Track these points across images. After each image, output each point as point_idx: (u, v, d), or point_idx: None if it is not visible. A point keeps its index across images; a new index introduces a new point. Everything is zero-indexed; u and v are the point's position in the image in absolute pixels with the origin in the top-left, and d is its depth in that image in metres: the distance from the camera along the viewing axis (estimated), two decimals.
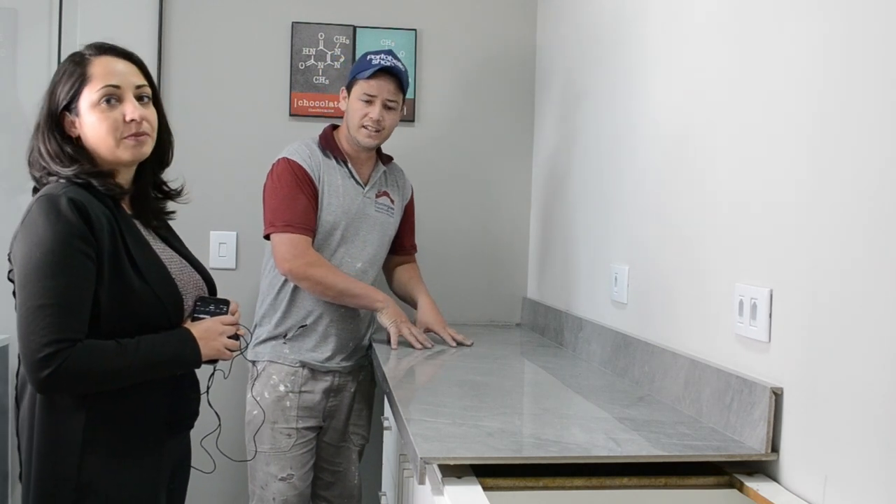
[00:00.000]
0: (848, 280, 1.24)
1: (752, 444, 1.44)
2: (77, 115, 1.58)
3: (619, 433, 1.53)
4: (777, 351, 1.43)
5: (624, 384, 1.98)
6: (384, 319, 2.40)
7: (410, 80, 2.97)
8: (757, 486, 1.39)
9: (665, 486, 1.42)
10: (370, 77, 2.39)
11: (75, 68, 1.59)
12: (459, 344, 2.45)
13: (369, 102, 2.41)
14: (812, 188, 1.34)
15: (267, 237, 2.44)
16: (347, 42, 2.94)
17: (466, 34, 3.02)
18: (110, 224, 1.53)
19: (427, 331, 2.48)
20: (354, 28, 2.95)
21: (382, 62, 2.39)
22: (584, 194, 2.47)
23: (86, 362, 1.47)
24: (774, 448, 1.41)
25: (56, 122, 1.58)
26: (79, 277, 1.47)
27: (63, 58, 2.74)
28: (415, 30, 2.98)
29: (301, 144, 2.47)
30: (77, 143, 1.59)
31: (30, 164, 1.61)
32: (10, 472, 2.80)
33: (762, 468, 1.44)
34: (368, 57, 2.43)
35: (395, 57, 2.44)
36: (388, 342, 2.40)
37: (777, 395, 1.40)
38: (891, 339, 1.15)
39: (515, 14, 3.05)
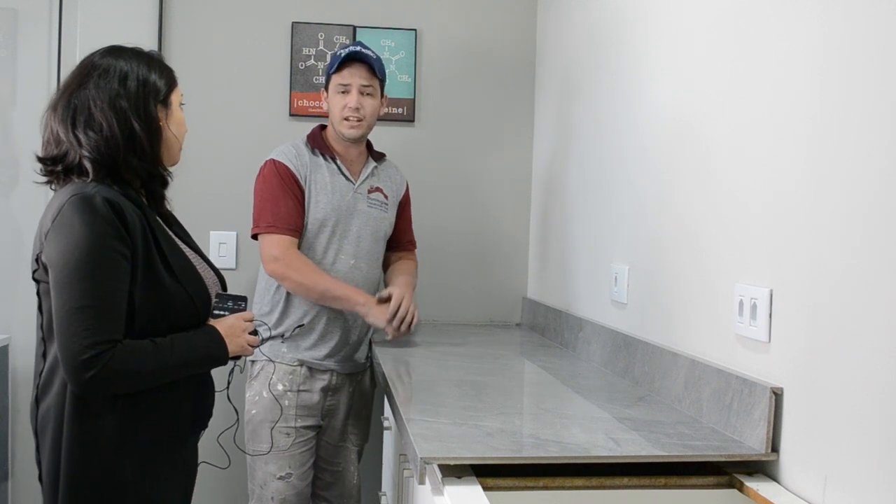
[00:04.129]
0: (848, 280, 1.24)
1: (752, 444, 1.44)
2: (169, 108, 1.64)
3: (619, 433, 1.53)
4: (777, 351, 1.43)
5: (624, 384, 1.98)
6: (374, 322, 2.40)
7: (410, 79, 2.98)
8: (757, 486, 1.39)
9: (665, 486, 1.42)
10: (340, 67, 2.42)
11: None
12: (401, 323, 2.40)
13: (345, 92, 2.43)
14: (812, 188, 1.34)
15: (255, 237, 2.45)
16: (347, 42, 2.93)
17: (466, 34, 3.03)
18: (142, 223, 1.54)
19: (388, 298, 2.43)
20: (354, 28, 2.95)
21: (349, 50, 2.42)
22: (584, 194, 2.47)
23: (127, 363, 1.47)
24: (774, 448, 1.41)
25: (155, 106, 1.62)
26: (116, 278, 1.47)
27: (63, 58, 2.75)
28: (415, 30, 2.98)
29: (288, 145, 2.49)
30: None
31: (78, 142, 1.54)
32: (10, 472, 2.80)
33: (762, 468, 1.45)
34: (338, 53, 2.47)
35: (364, 46, 2.47)
36: (386, 338, 2.41)
37: (777, 395, 1.40)
38: (891, 339, 1.15)
39: (515, 14, 3.05)
